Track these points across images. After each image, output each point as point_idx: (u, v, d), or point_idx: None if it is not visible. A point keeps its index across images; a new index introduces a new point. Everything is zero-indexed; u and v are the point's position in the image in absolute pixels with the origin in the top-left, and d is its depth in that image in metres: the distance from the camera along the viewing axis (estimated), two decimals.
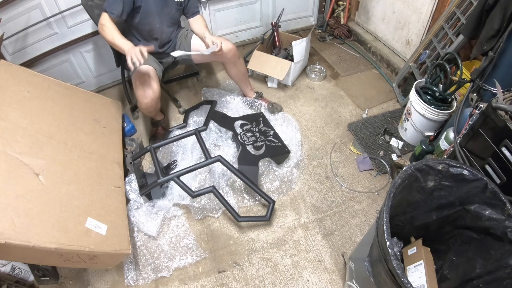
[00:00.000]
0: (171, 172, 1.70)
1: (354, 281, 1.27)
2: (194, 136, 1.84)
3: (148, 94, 1.71)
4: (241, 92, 2.31)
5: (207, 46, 1.84)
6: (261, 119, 2.11)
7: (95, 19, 1.83)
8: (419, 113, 1.84)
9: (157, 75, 1.77)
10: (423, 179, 1.08)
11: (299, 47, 2.37)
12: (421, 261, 1.17)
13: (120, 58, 2.04)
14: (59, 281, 1.56)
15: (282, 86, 2.53)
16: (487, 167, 1.22)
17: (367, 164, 1.96)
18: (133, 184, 1.74)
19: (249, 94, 2.27)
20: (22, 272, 1.50)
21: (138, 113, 2.35)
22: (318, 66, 2.67)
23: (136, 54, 1.47)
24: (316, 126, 2.22)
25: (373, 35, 2.87)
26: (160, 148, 1.97)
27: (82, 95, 1.87)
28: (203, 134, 1.89)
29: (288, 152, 1.93)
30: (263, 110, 2.23)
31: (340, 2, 3.02)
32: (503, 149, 1.13)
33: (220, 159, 1.68)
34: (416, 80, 2.00)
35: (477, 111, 1.33)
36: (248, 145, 1.91)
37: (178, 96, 2.44)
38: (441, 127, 1.90)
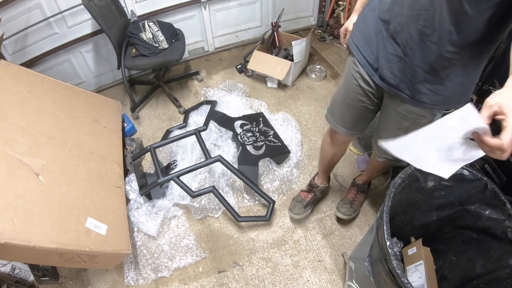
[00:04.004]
0: (171, 172, 1.70)
1: (354, 281, 1.27)
2: (194, 136, 1.84)
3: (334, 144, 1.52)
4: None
5: None
6: (261, 119, 2.11)
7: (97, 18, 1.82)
8: None
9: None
10: (423, 179, 1.08)
11: (299, 47, 2.36)
12: (421, 261, 1.17)
13: (121, 60, 2.04)
14: (59, 281, 1.56)
15: (282, 86, 2.53)
16: (487, 167, 1.22)
17: (367, 164, 1.96)
18: (133, 184, 1.74)
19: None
20: (22, 272, 1.50)
21: (138, 113, 2.35)
22: (318, 66, 2.67)
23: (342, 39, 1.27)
24: (316, 126, 2.22)
25: None
26: (160, 148, 1.97)
27: (82, 95, 1.87)
28: (203, 134, 1.89)
29: (288, 152, 1.93)
30: (263, 110, 2.24)
31: (340, 2, 3.02)
32: None
33: (220, 159, 1.68)
34: None
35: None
36: (248, 145, 1.91)
37: (178, 96, 2.44)
38: None
